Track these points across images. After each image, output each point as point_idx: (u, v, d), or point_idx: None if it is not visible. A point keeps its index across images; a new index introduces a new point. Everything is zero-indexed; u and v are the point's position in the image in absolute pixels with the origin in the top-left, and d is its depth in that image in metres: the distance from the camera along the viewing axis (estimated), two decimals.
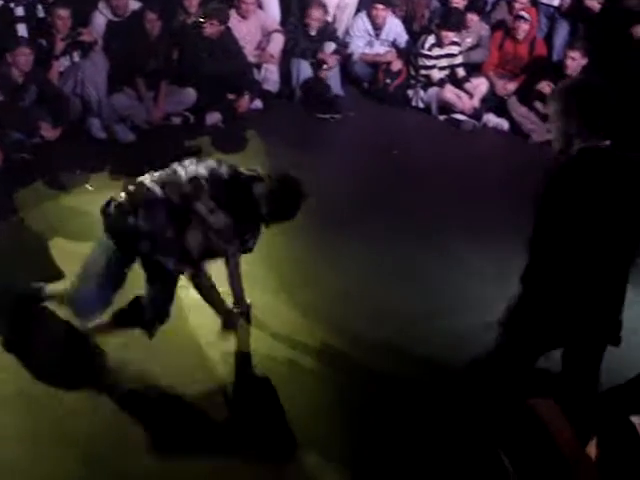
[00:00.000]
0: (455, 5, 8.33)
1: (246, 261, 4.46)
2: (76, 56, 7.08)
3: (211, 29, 7.37)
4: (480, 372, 3.90)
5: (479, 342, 4.61)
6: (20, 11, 7.04)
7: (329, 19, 8.37)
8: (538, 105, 7.73)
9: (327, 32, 8.21)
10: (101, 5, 7.34)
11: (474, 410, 4.01)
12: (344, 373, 4.43)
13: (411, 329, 4.76)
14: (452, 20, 8.17)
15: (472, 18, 8.35)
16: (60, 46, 6.93)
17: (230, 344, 4.48)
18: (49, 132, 6.54)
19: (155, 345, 4.37)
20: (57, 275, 4.91)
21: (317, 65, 8.14)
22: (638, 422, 2.69)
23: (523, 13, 8.05)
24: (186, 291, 4.61)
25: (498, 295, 5.07)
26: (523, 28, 8.07)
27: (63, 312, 4.52)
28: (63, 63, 7.03)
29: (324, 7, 8.14)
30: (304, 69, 8.09)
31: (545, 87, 7.58)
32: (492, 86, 8.21)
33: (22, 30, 6.97)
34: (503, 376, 3.50)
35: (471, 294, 5.16)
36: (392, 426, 4.08)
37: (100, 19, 7.32)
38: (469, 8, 8.39)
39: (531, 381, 3.59)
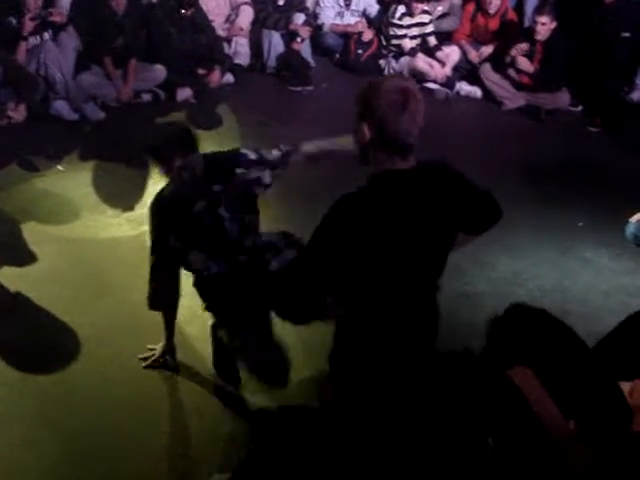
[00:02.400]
0: None
1: None
2: (46, 36, 6.93)
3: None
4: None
5: (456, 313, 4.67)
6: None
7: None
8: (511, 72, 7.74)
9: (296, 3, 8.13)
10: None
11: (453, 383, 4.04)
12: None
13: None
14: None
15: None
16: (29, 26, 6.78)
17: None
18: (16, 113, 6.45)
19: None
20: (30, 257, 4.87)
21: (289, 37, 8.08)
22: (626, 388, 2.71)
23: None
24: None
25: (471, 265, 5.16)
26: (495, 4, 8.04)
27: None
28: (32, 43, 6.86)
29: None
30: (276, 41, 8.02)
31: (516, 53, 7.58)
32: (464, 54, 8.19)
33: None
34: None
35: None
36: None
37: None
38: None
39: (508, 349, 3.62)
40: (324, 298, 2.83)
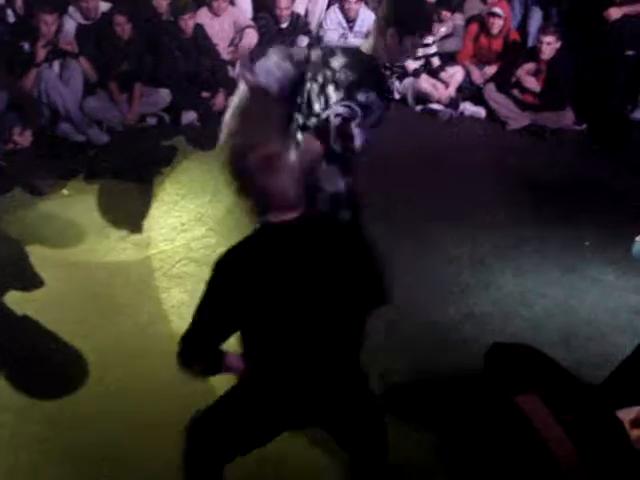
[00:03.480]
0: None
1: None
2: (56, 64, 7.02)
3: (189, 22, 7.34)
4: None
5: (463, 333, 4.66)
6: None
7: (300, 12, 8.34)
8: (515, 92, 7.76)
9: (299, 26, 8.17)
10: (71, 9, 7.27)
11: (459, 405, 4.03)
12: None
13: (391, 322, 4.73)
14: None
15: (445, 14, 8.37)
16: (42, 53, 6.83)
17: None
18: (22, 138, 6.48)
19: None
20: (35, 281, 4.87)
21: None
22: (624, 417, 2.69)
23: (496, 10, 8.04)
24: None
25: (477, 284, 5.15)
26: (497, 24, 8.06)
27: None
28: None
29: None
30: None
31: (523, 73, 7.61)
32: (468, 74, 8.21)
33: None
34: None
35: (450, 283, 5.16)
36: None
37: (70, 23, 7.24)
38: (441, 3, 8.39)
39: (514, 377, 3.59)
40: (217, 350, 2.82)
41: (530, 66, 7.61)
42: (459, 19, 8.51)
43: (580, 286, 5.23)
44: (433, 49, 8.21)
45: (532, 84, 7.65)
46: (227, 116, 3.79)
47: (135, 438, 3.87)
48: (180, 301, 4.79)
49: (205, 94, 7.55)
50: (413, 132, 7.67)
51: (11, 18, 7.27)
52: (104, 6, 7.36)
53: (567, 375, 3.00)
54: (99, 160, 6.61)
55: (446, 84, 8.11)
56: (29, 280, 4.91)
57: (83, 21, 7.26)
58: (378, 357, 4.39)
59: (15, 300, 4.71)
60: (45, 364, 4.30)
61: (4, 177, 6.17)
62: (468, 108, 8.05)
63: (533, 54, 7.65)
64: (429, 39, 8.11)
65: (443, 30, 8.41)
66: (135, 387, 4.15)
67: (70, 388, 4.14)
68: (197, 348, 2.78)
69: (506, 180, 6.68)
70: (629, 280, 5.28)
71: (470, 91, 8.19)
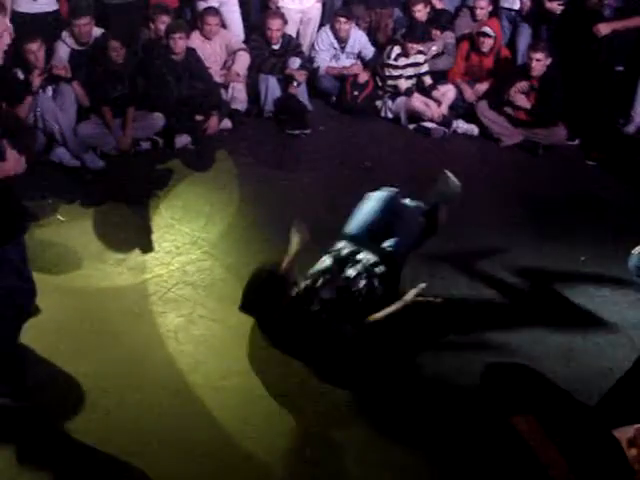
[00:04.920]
0: (418, 16, 8.39)
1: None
2: (49, 90, 7.02)
3: (179, 42, 7.36)
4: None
5: (460, 351, 4.65)
6: None
7: (292, 33, 8.39)
8: (507, 109, 7.79)
9: (291, 47, 8.21)
10: (64, 34, 7.30)
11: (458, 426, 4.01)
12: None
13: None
14: (417, 33, 8.20)
15: (436, 33, 8.44)
16: (37, 81, 6.83)
17: None
18: (15, 165, 6.46)
19: None
20: (33, 310, 4.84)
21: (286, 81, 8.14)
22: (621, 436, 2.68)
23: (487, 29, 8.11)
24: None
25: (476, 299, 5.15)
26: (488, 43, 8.14)
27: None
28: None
29: (282, 16, 8.15)
30: (272, 86, 8.08)
31: (516, 91, 7.64)
32: (460, 92, 8.26)
33: None
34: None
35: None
36: (376, 433, 4.05)
37: (64, 49, 7.27)
38: (432, 22, 8.46)
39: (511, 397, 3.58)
40: None
41: (522, 84, 7.65)
42: (450, 37, 8.57)
43: (577, 301, 5.23)
44: (425, 68, 8.27)
45: (524, 101, 7.69)
46: None
47: (129, 465, 3.84)
48: (176, 325, 4.77)
49: (199, 117, 7.57)
50: (406, 151, 7.70)
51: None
52: (97, 31, 7.39)
53: (563, 393, 3.00)
54: (94, 185, 6.61)
55: (438, 102, 8.15)
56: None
57: (76, 46, 7.28)
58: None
59: None
60: (41, 391, 4.26)
61: None
62: (461, 126, 8.08)
63: (524, 71, 7.70)
64: (421, 58, 8.17)
65: (434, 49, 8.48)
66: (130, 415, 4.13)
67: (66, 415, 4.11)
68: None
69: (500, 196, 6.70)
70: (626, 295, 5.29)
71: (462, 109, 8.24)
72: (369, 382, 4.34)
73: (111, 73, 7.12)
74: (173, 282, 5.24)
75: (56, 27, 7.38)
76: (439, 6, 8.82)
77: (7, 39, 3.62)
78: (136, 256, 5.56)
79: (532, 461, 2.56)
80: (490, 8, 8.48)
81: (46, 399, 4.21)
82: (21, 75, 6.80)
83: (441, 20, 8.64)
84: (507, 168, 7.37)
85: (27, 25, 7.24)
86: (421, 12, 8.42)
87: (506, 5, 8.57)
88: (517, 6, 8.48)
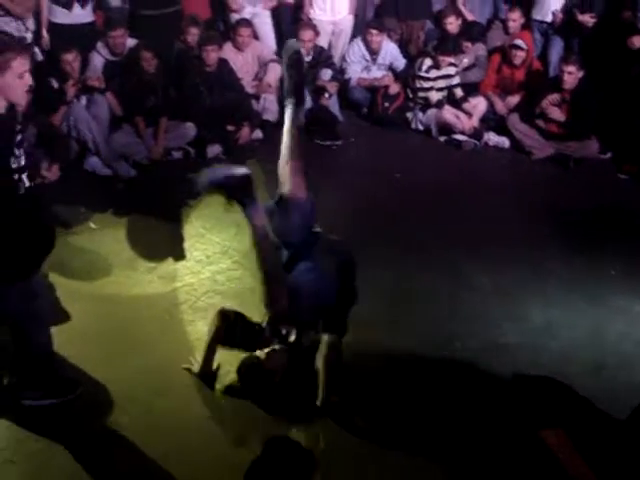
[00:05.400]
0: (449, 29, 8.40)
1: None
2: (83, 100, 7.14)
3: (212, 54, 7.43)
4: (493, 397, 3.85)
5: (491, 365, 4.62)
6: None
7: (324, 45, 8.42)
8: (539, 121, 7.75)
9: (323, 58, 8.25)
10: (99, 45, 7.41)
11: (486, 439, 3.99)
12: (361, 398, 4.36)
13: (417, 353, 4.71)
14: (448, 45, 8.22)
15: (467, 45, 8.44)
16: (72, 91, 6.95)
17: None
18: (49, 173, 6.56)
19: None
20: (62, 314, 4.90)
21: (317, 92, 8.17)
22: None
23: (519, 42, 8.09)
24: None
25: (503, 316, 5.12)
26: (520, 56, 8.12)
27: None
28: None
29: (313, 28, 8.19)
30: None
31: (548, 104, 7.60)
32: (491, 105, 8.23)
33: None
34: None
35: (476, 315, 5.13)
36: (411, 451, 4.03)
37: (98, 59, 7.37)
38: (463, 34, 8.47)
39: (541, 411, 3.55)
40: None
41: (554, 96, 7.61)
42: (481, 50, 8.56)
43: (607, 316, 5.19)
44: (456, 80, 8.26)
45: (556, 114, 7.65)
46: None
47: (156, 470, 3.87)
48: (205, 334, 4.79)
49: (230, 128, 7.62)
50: (437, 163, 7.69)
51: (39, 56, 7.41)
52: (131, 42, 7.48)
53: (593, 408, 2.98)
54: (126, 194, 6.67)
55: (469, 115, 8.14)
56: (55, 313, 4.92)
57: (111, 57, 7.38)
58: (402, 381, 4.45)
59: None
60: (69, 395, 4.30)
61: None
62: (492, 138, 8.06)
63: (555, 83, 7.66)
64: (452, 70, 8.17)
65: (465, 61, 8.47)
66: (158, 422, 4.16)
67: (95, 418, 4.16)
68: None
69: (531, 209, 6.66)
70: None
71: (494, 121, 8.21)
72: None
73: (144, 83, 7.21)
74: (203, 291, 5.27)
75: (91, 38, 7.50)
76: (470, 18, 8.82)
77: (28, 80, 3.69)
78: (167, 264, 5.61)
79: (561, 474, 2.54)
80: (522, 21, 8.46)
81: (74, 404, 4.25)
82: (55, 84, 6.91)
83: (472, 32, 8.64)
84: (538, 181, 7.33)
85: (63, 36, 7.37)
86: (452, 24, 8.45)
87: (538, 17, 8.53)
88: (549, 18, 8.44)
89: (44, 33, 7.46)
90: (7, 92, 3.65)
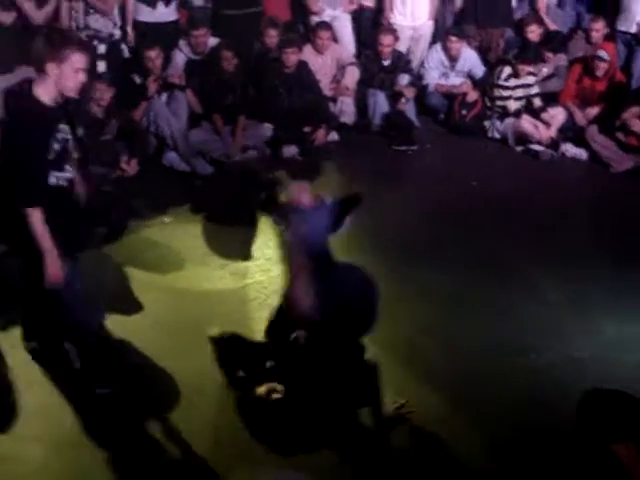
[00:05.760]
0: (531, 37, 8.31)
1: None
2: (164, 96, 7.30)
3: (291, 57, 7.50)
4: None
5: (565, 377, 4.55)
6: (102, 49, 7.31)
7: (403, 50, 8.41)
8: (619, 135, 7.60)
9: (401, 63, 8.25)
10: (181, 43, 7.54)
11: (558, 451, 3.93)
12: (422, 409, 4.31)
13: (491, 365, 4.64)
14: (529, 54, 8.13)
15: (548, 55, 8.33)
16: (153, 87, 7.12)
17: None
18: (129, 166, 6.70)
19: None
20: (134, 305, 5.00)
21: (395, 97, 8.18)
22: None
23: (602, 53, 7.94)
24: None
25: (577, 329, 5.03)
26: (602, 67, 7.97)
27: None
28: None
29: (393, 32, 8.20)
30: (381, 101, 8.13)
31: (629, 116, 7.45)
32: (570, 115, 8.11)
33: (102, 67, 7.25)
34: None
35: (550, 328, 5.05)
36: (467, 462, 4.00)
37: (180, 57, 7.51)
38: (544, 43, 8.36)
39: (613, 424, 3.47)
40: None
41: (636, 109, 7.46)
42: (562, 60, 8.44)
43: None
44: (535, 89, 8.16)
45: (638, 127, 7.49)
46: None
47: (225, 461, 3.91)
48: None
49: (307, 129, 7.67)
50: (513, 173, 7.60)
51: (126, 53, 7.60)
52: (212, 41, 7.59)
53: None
54: (202, 190, 6.77)
55: (547, 125, 8.02)
56: (128, 304, 5.02)
57: (192, 56, 7.50)
58: (468, 392, 4.39)
59: (115, 322, 4.80)
60: (138, 383, 4.39)
61: (111, 203, 6.36)
62: (569, 149, 7.93)
63: (638, 96, 7.51)
64: (531, 79, 8.08)
65: (545, 70, 8.37)
66: (227, 415, 4.19)
67: (159, 410, 4.22)
68: None
69: (609, 223, 6.54)
70: None
71: (572, 132, 8.08)
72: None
73: (223, 82, 7.31)
74: (273, 289, 5.29)
75: (174, 36, 7.64)
76: (552, 27, 8.70)
77: (83, 77, 3.82)
78: (238, 261, 5.66)
79: None
80: (606, 31, 8.32)
81: (140, 393, 4.34)
82: (138, 80, 7.06)
83: (554, 42, 8.53)
84: (616, 194, 7.18)
85: (147, 33, 7.54)
86: (534, 33, 8.35)
87: (622, 28, 8.38)
88: (633, 29, 8.28)
89: (129, 30, 7.64)
90: (61, 82, 3.76)
